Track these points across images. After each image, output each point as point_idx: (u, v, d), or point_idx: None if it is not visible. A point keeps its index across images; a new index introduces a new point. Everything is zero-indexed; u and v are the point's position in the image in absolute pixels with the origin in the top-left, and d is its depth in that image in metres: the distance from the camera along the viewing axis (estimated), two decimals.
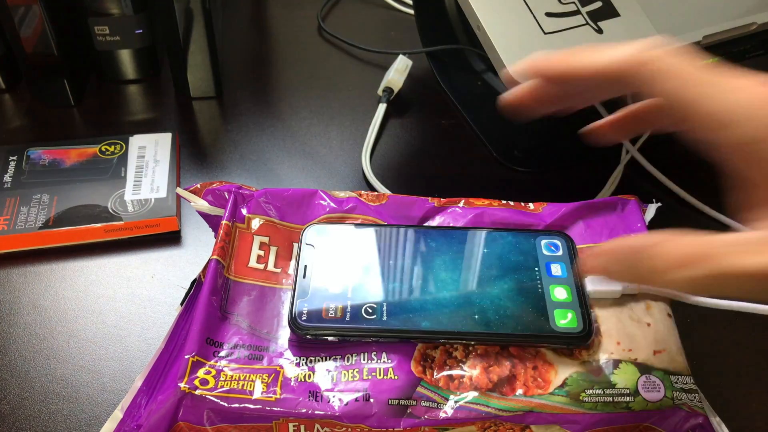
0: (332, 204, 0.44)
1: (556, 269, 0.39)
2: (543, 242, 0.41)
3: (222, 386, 0.35)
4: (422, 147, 0.61)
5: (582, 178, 0.57)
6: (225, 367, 0.36)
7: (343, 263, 0.40)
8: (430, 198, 0.46)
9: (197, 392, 0.34)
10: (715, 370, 0.43)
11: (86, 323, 0.45)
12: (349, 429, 0.35)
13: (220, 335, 0.38)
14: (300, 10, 0.79)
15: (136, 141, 0.57)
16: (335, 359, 0.37)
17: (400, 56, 0.65)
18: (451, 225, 0.44)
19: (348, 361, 0.37)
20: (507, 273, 0.39)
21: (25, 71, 0.62)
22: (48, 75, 0.61)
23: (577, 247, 0.41)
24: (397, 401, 0.35)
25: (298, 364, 0.36)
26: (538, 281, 0.39)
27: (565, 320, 0.37)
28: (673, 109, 0.21)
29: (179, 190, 0.45)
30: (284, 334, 0.39)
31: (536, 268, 0.39)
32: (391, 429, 0.34)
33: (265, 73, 0.70)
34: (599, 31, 0.45)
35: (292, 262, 0.42)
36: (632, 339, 0.37)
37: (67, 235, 0.50)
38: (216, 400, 0.34)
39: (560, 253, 0.40)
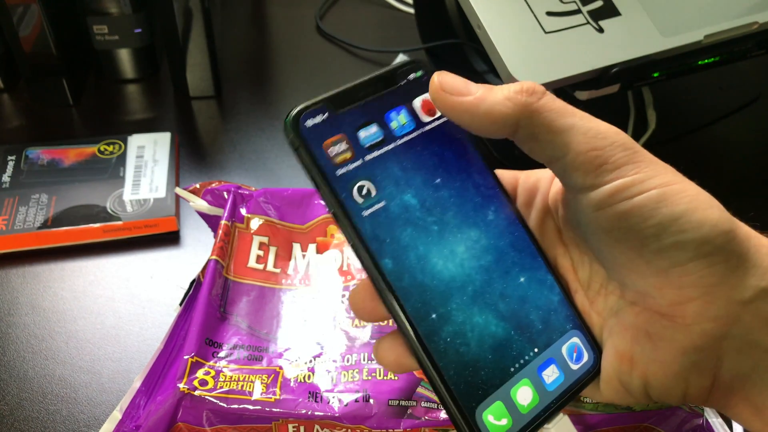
0: None
1: None
2: None
3: (221, 387, 0.35)
4: None
5: None
6: (224, 367, 0.36)
7: None
8: None
9: (196, 393, 0.34)
10: None
11: (85, 324, 0.45)
12: (349, 430, 0.34)
13: (220, 336, 0.37)
14: (299, 9, 0.78)
15: (135, 141, 0.57)
16: (334, 360, 0.36)
17: (400, 55, 0.65)
18: None
19: (348, 361, 0.36)
20: None
21: (23, 71, 0.61)
22: (47, 74, 0.61)
23: None
24: (397, 402, 0.35)
25: (297, 365, 0.36)
26: None
27: None
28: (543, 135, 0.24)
29: (178, 190, 0.44)
30: (283, 334, 0.38)
31: None
32: (391, 430, 0.34)
33: (264, 73, 0.69)
34: (600, 30, 0.45)
35: (292, 262, 0.42)
36: None
37: (66, 236, 0.49)
38: (215, 400, 0.34)
39: None
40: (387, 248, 0.24)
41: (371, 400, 0.34)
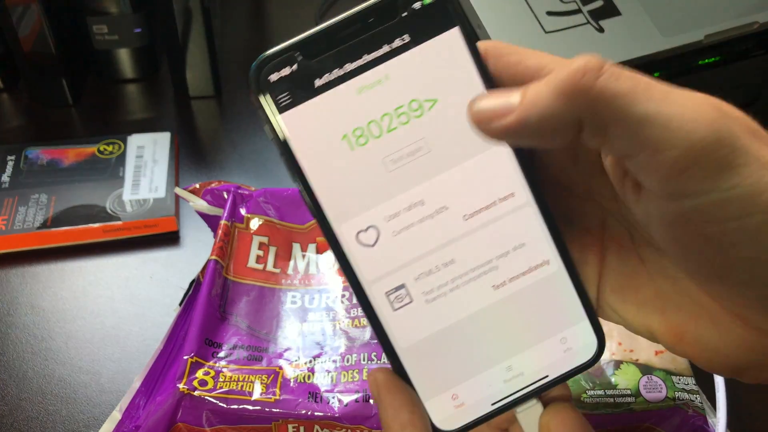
0: None
1: None
2: None
3: (221, 387, 0.35)
4: None
5: None
6: (224, 367, 0.36)
7: None
8: None
9: (196, 393, 0.34)
10: None
11: (84, 324, 0.45)
12: (349, 430, 0.34)
13: (219, 336, 0.37)
14: (299, 9, 0.78)
15: (135, 141, 0.57)
16: (334, 361, 0.36)
17: None
18: None
19: (348, 361, 0.36)
20: None
21: (23, 70, 0.61)
22: (46, 74, 0.61)
23: None
24: None
25: (297, 365, 0.36)
26: None
27: None
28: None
29: (178, 190, 0.44)
30: (283, 335, 0.38)
31: None
32: None
33: None
34: (600, 30, 0.45)
35: (291, 262, 0.42)
36: (634, 340, 0.37)
37: (66, 236, 0.49)
38: (215, 401, 0.34)
39: None
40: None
41: (371, 400, 0.34)
